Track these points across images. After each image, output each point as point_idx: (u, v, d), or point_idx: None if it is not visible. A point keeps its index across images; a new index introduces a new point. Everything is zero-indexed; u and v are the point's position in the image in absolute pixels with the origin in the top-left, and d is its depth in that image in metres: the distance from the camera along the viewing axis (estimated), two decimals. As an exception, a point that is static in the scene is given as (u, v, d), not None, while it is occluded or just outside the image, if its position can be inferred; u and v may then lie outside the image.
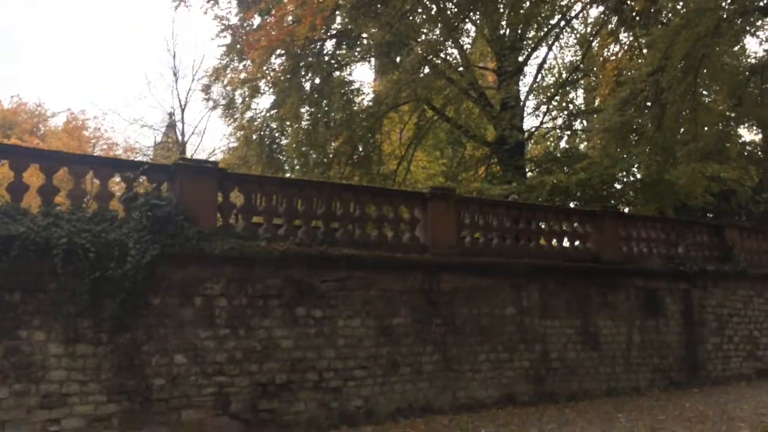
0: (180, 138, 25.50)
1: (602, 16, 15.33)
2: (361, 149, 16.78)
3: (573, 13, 16.56)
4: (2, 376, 6.83)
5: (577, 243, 11.57)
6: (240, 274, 8.31)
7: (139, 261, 7.27)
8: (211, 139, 57.89)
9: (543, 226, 11.26)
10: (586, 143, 18.71)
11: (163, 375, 7.66)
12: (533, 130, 18.77)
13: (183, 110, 26.58)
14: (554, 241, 11.51)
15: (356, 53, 15.74)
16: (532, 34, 16.88)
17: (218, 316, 8.13)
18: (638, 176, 16.38)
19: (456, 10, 14.09)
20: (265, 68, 14.92)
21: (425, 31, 15.16)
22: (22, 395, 6.90)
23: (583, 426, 8.47)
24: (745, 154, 18.66)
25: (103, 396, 7.31)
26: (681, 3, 12.31)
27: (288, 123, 16.04)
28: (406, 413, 9.22)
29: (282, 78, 14.74)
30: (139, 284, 7.42)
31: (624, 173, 15.91)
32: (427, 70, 14.92)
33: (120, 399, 7.39)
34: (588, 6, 15.66)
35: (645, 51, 14.39)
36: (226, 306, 8.20)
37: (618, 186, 16.04)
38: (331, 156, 16.81)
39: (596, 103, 17.86)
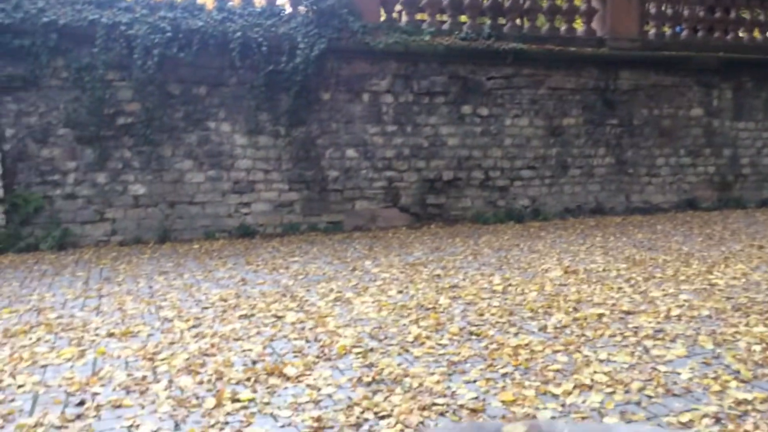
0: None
1: None
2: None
3: None
4: (199, 163, 7.62)
5: (786, 35, 10.03)
6: (405, 70, 8.29)
7: (308, 55, 7.48)
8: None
9: (744, 15, 9.83)
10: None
11: (336, 168, 8.12)
12: None
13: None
14: (756, 32, 10.06)
15: None
16: None
17: (385, 112, 8.29)
18: None
19: None
20: None
21: None
22: (217, 180, 7.70)
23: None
24: None
25: (284, 185, 7.95)
26: None
27: None
28: (574, 213, 9.12)
29: None
30: (309, 79, 7.70)
31: None
32: None
33: (299, 188, 8.00)
34: None
35: None
36: (392, 103, 8.31)
37: None
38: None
39: None
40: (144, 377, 3.04)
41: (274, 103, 7.75)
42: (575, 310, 4.11)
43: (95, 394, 2.86)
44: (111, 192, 7.29)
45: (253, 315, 4.11)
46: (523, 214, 8.84)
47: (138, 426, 2.54)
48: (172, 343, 3.53)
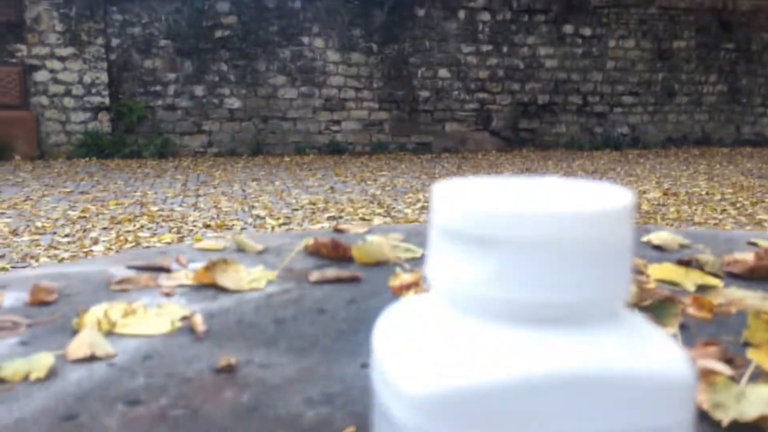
0: None
1: None
2: None
3: None
4: (292, 79, 7.67)
5: None
6: (504, -14, 7.94)
7: (404, -33, 7.27)
8: None
9: None
10: None
11: (428, 88, 7.97)
12: None
13: None
14: None
15: None
16: None
17: (481, 31, 8.01)
18: None
19: None
20: None
21: None
22: (308, 97, 7.74)
23: None
24: None
25: (375, 103, 7.90)
26: None
27: None
28: (678, 143, 8.63)
29: None
30: (404, -7, 7.51)
31: None
32: None
33: (390, 107, 7.92)
34: None
35: None
36: (489, 21, 8.01)
37: None
38: None
39: None
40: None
41: (367, 19, 7.63)
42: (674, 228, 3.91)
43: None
44: (208, 105, 7.48)
45: (341, 217, 4.16)
46: (622, 142, 8.44)
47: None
48: (262, 236, 3.62)
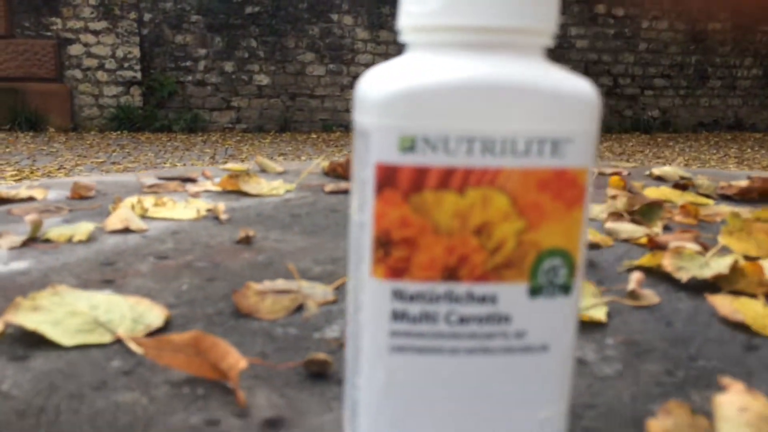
0: None
1: None
2: None
3: None
4: (320, 56, 7.71)
5: None
6: (536, -35, 7.86)
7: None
8: None
9: None
10: None
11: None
12: None
13: None
14: None
15: None
16: None
17: (511, 10, 7.95)
18: None
19: None
20: None
21: None
22: (336, 74, 7.77)
23: None
24: None
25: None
26: None
27: None
28: (710, 128, 8.50)
29: None
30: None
31: None
32: None
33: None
34: None
35: None
36: None
37: None
38: None
39: None
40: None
41: (397, -3, 7.62)
42: (699, 205, 3.88)
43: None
44: (237, 81, 7.55)
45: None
46: (652, 126, 8.33)
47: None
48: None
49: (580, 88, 0.21)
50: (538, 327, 0.22)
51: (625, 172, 0.93)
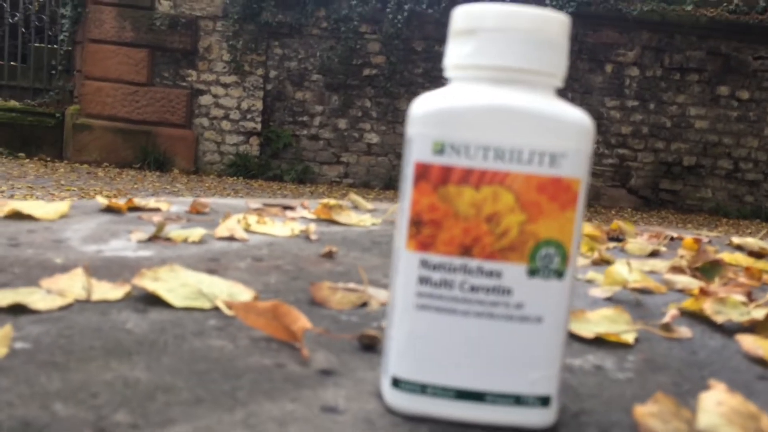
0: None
1: None
2: None
3: None
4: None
5: None
6: (657, 42, 7.78)
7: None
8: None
9: None
10: None
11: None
12: None
13: None
14: None
15: None
16: None
17: (628, 86, 7.88)
18: None
19: None
20: None
21: None
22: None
23: None
24: None
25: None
26: None
27: None
28: (838, 220, 7.93)
29: None
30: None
31: None
32: None
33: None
34: None
35: None
36: (637, 76, 7.87)
37: None
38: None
39: None
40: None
41: (511, 67, 7.76)
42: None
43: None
44: (348, 138, 7.89)
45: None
46: (773, 214, 7.89)
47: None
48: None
49: (577, 116, 0.27)
50: (534, 302, 0.28)
51: (705, 239, 0.94)
